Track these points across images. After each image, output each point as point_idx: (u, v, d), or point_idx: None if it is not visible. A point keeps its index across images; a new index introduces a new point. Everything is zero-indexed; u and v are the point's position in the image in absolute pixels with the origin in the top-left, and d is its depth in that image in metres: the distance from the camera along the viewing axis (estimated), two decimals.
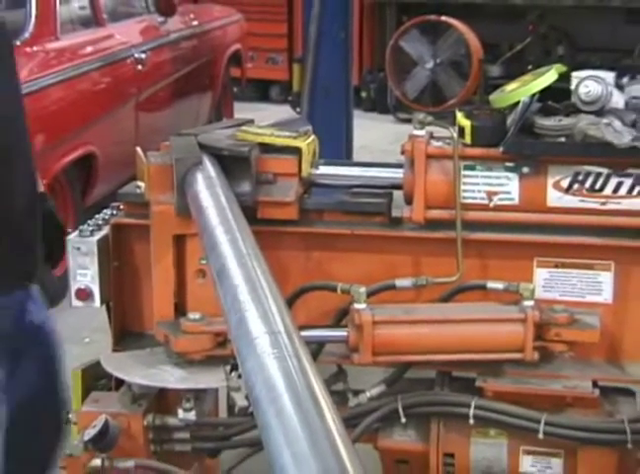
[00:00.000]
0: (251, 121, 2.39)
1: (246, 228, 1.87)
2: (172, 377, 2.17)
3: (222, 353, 2.14)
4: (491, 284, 2.15)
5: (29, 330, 2.32)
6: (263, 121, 2.37)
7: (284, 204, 2.21)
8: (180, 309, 2.23)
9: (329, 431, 1.17)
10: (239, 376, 2.10)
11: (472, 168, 2.20)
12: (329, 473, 1.10)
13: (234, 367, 2.25)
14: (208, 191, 2.03)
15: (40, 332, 2.36)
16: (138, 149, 2.27)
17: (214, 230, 1.84)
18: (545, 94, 2.23)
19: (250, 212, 2.13)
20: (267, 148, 2.23)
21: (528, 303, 2.10)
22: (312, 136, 2.29)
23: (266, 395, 1.26)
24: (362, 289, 2.10)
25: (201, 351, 2.15)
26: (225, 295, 1.60)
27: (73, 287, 2.26)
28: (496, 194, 2.20)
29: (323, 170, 2.33)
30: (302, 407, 1.21)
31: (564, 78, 2.22)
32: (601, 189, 2.15)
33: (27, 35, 4.32)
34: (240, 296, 1.54)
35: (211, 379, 2.15)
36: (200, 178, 2.09)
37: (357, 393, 2.22)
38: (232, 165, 2.17)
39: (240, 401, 2.09)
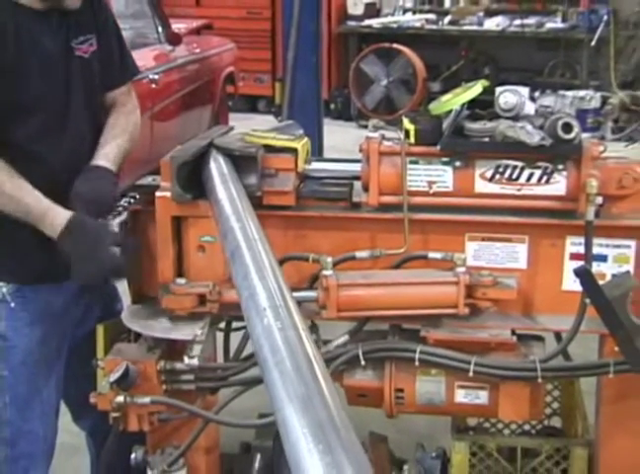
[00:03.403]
0: (231, 129, 2.39)
1: (253, 216, 1.84)
2: (160, 327, 2.16)
3: (202, 310, 2.14)
4: (431, 255, 2.14)
5: None
6: (251, 128, 2.35)
7: (284, 193, 2.19)
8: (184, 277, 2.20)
9: (320, 388, 1.16)
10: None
11: (416, 162, 2.18)
12: (321, 423, 1.09)
13: (229, 325, 2.22)
14: (223, 185, 2.01)
15: None
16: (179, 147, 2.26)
17: (228, 218, 1.82)
18: (473, 103, 2.22)
19: (256, 200, 2.11)
20: (270, 148, 2.22)
21: (461, 269, 2.09)
22: (305, 139, 2.28)
23: (271, 358, 1.25)
24: (329, 259, 2.09)
25: (184, 308, 2.14)
26: (237, 274, 1.58)
27: None
28: (435, 182, 2.18)
29: (314, 165, 2.32)
30: (300, 370, 1.20)
31: (488, 91, 2.21)
32: (517, 178, 2.14)
33: None
34: (249, 275, 1.52)
35: (185, 332, 2.13)
36: (215, 174, 2.08)
37: (326, 342, 2.21)
38: (242, 162, 2.16)
39: (194, 352, 2.08)
